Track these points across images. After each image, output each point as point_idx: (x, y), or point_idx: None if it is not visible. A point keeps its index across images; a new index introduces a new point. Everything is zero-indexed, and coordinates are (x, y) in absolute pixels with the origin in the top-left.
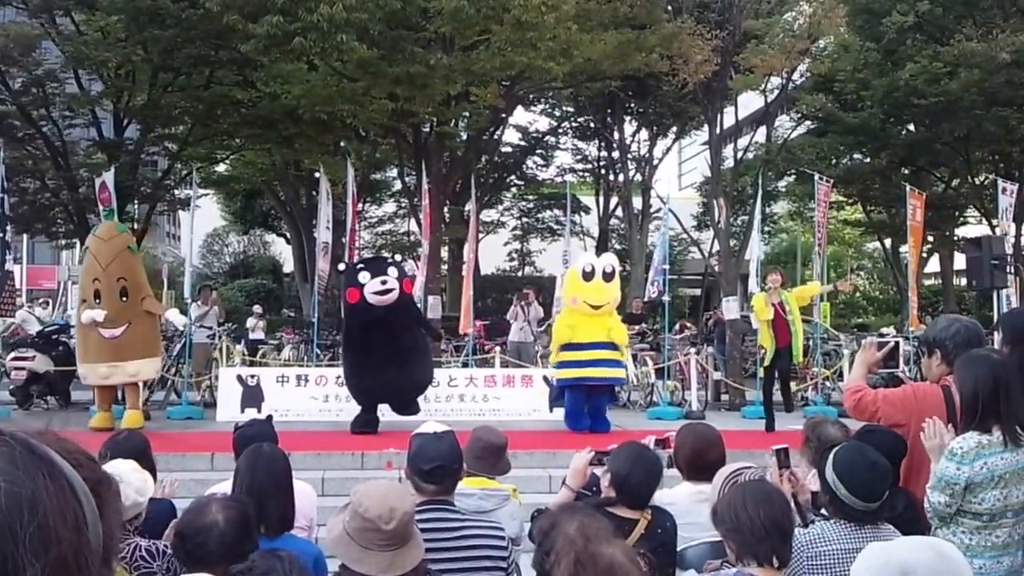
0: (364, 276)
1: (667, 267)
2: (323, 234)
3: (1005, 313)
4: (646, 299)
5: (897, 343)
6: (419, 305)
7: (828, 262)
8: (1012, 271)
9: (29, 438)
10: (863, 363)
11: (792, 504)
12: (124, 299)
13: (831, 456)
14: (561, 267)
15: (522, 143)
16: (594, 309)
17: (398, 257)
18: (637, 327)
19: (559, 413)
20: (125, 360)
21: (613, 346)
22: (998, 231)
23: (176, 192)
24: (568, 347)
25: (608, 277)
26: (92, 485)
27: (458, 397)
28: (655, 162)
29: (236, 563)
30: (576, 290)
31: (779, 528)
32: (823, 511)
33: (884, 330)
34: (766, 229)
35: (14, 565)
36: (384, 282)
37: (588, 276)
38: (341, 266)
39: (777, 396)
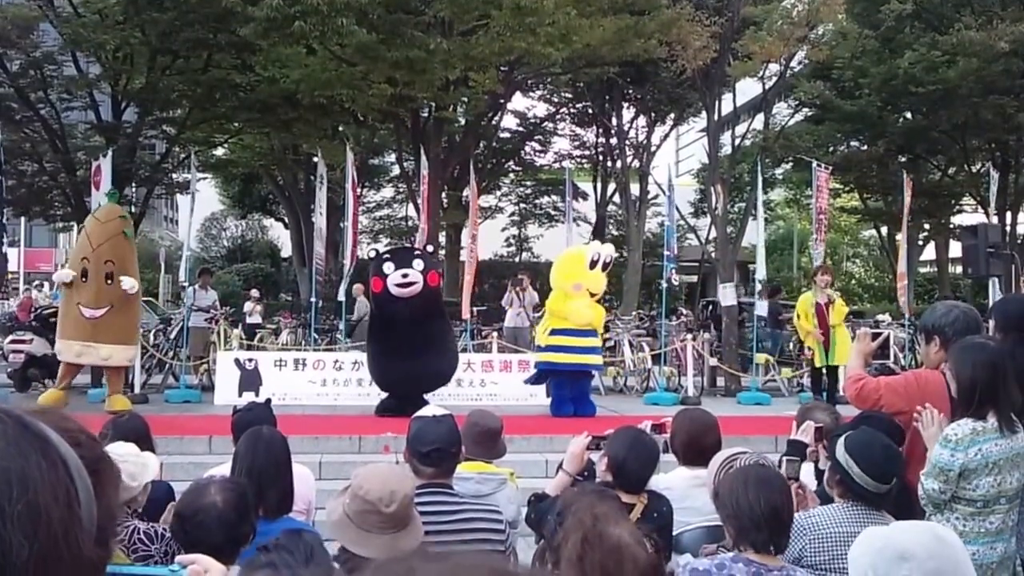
0: (388, 267)
1: (668, 253)
2: (320, 219)
3: (998, 301)
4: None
5: (890, 335)
6: None
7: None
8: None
9: (24, 415)
10: (860, 353)
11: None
12: (109, 282)
13: (842, 439)
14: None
15: (520, 129)
16: (591, 296)
17: (430, 248)
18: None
19: None
20: (99, 342)
21: (597, 332)
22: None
23: (174, 176)
24: (562, 332)
25: (605, 267)
26: (90, 464)
27: (455, 382)
28: (653, 149)
29: (235, 545)
30: (581, 276)
31: (778, 517)
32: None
33: (880, 317)
34: (764, 216)
35: (1, 543)
36: (405, 275)
37: (593, 265)
38: (371, 253)
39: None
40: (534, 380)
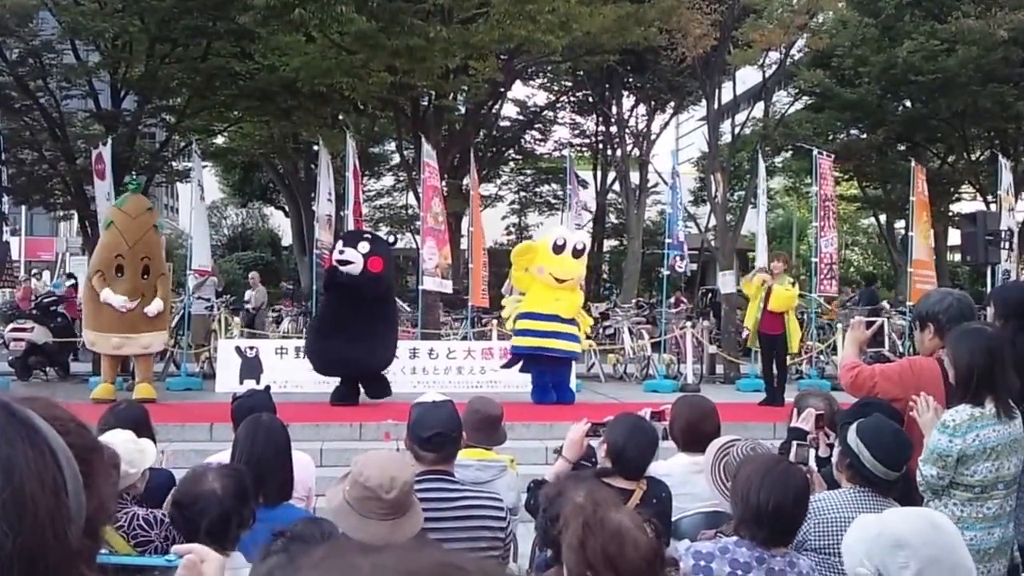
0: (339, 244)
1: (670, 240)
2: (325, 206)
3: (997, 288)
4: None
5: (883, 323)
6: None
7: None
8: (1008, 247)
9: (11, 402)
10: (854, 341)
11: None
12: (145, 277)
13: (854, 425)
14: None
15: (520, 117)
16: (558, 282)
17: (390, 239)
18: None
19: None
20: (138, 332)
21: (571, 321)
22: (1004, 206)
23: (174, 164)
24: (527, 316)
25: (577, 254)
26: (80, 452)
27: (456, 369)
28: (653, 137)
29: (236, 531)
30: (544, 260)
31: (784, 519)
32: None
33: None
34: (764, 204)
35: None
36: (342, 252)
37: (559, 249)
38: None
39: None
40: (509, 364)
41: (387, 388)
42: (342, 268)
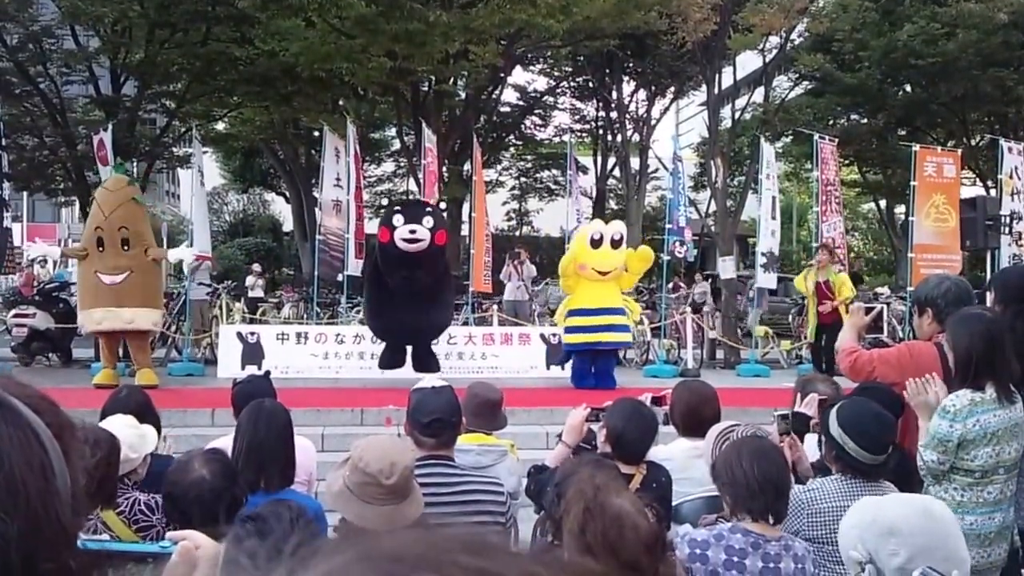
0: (398, 219)
1: (671, 225)
2: (331, 191)
3: (997, 273)
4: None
5: (883, 309)
6: None
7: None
8: (1008, 231)
9: None
10: (853, 327)
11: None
12: (125, 248)
13: (834, 410)
14: (558, 227)
15: (520, 103)
16: (601, 275)
17: (442, 204)
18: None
19: (556, 371)
20: (122, 306)
21: (620, 310)
22: (1006, 190)
23: (175, 150)
24: (577, 312)
25: (616, 244)
26: (54, 431)
27: (456, 355)
28: (653, 122)
29: (230, 514)
30: (584, 257)
31: (774, 484)
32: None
33: (879, 290)
34: (772, 189)
35: None
36: (413, 231)
37: (596, 244)
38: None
39: None
40: (563, 360)
41: (436, 363)
42: (411, 246)
